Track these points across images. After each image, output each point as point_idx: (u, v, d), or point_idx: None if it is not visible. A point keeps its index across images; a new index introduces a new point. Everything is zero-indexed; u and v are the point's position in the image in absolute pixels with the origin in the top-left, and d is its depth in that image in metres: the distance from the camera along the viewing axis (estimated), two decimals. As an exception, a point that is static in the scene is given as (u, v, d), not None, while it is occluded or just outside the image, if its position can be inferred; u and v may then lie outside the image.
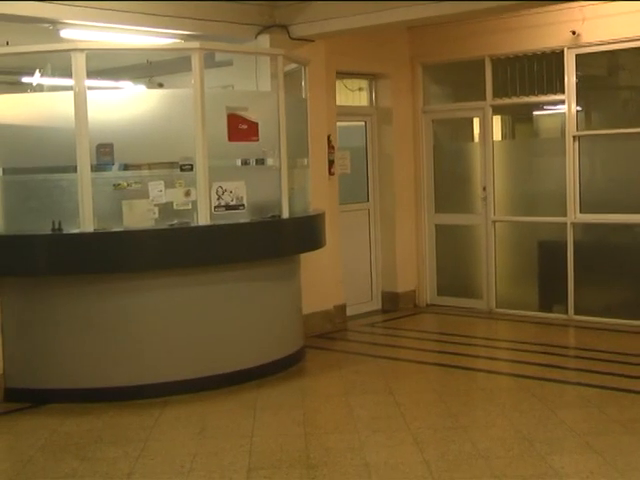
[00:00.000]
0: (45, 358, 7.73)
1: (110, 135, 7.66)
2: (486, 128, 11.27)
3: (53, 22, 8.35)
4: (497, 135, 11.56)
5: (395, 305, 11.69)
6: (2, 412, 7.42)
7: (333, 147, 10.51)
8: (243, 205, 8.11)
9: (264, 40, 9.58)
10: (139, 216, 7.70)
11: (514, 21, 10.59)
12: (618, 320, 10.16)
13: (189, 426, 6.94)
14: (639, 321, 10.04)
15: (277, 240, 8.48)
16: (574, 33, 10.19)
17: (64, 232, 7.56)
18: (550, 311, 10.81)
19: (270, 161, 8.42)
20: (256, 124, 8.19)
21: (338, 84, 10.99)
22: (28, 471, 6.01)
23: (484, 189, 11.28)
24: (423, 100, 11.85)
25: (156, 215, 7.74)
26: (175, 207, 7.80)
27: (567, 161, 10.45)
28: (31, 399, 7.63)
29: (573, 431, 6.48)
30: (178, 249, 7.75)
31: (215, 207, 7.91)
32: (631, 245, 10.32)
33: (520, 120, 12.02)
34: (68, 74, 7.60)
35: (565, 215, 10.52)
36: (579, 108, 10.49)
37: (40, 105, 7.95)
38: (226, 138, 8.01)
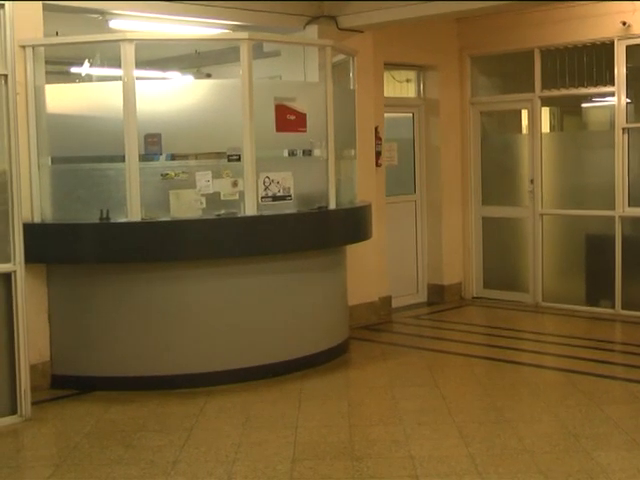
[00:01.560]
0: (91, 346, 7.79)
1: (158, 125, 7.68)
2: (534, 120, 11.19)
3: (102, 13, 8.40)
4: (545, 127, 11.47)
5: (441, 297, 11.66)
6: (48, 399, 7.49)
7: (380, 138, 10.49)
8: (290, 196, 8.10)
9: (312, 31, 9.58)
10: (186, 206, 7.73)
11: (563, 12, 10.50)
12: (666, 315, 10.09)
13: (234, 416, 6.97)
14: (688, 317, 9.96)
15: (323, 231, 8.48)
16: (624, 24, 10.08)
17: (111, 221, 7.61)
18: (597, 305, 10.73)
19: (317, 152, 8.42)
20: (304, 115, 8.18)
21: (386, 75, 10.97)
22: (74, 457, 6.06)
23: (532, 182, 11.20)
24: (471, 92, 11.79)
25: (203, 205, 7.76)
26: (222, 197, 7.82)
27: (616, 154, 10.35)
28: (77, 386, 7.70)
29: (620, 427, 6.41)
30: (225, 239, 7.77)
31: (262, 198, 7.92)
32: (680, 239, 10.24)
33: (569, 112, 11.93)
34: (117, 64, 7.64)
35: (613, 209, 10.42)
36: (629, 100, 10.39)
37: (89, 95, 7.97)
38: (274, 129, 8.01)
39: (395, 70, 11.40)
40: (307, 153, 8.40)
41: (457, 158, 11.77)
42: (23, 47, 7.56)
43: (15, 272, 6.81)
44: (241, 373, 7.82)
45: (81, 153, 7.87)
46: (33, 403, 6.97)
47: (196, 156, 7.91)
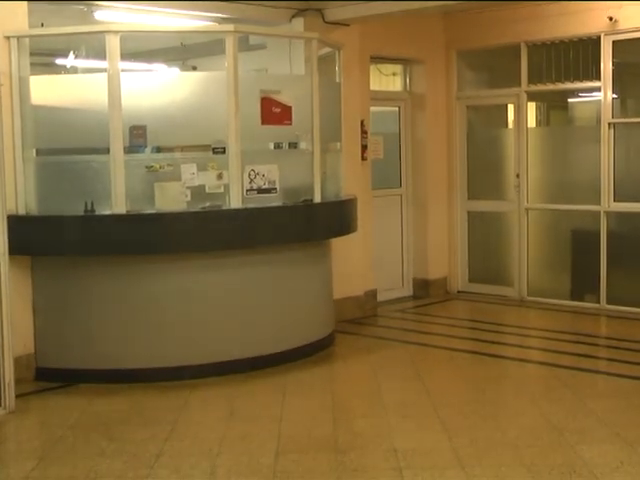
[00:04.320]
0: (76, 338, 7.77)
1: (143, 117, 7.67)
2: (520, 115, 11.19)
3: (87, 4, 8.37)
4: (531, 122, 11.49)
5: (426, 292, 11.67)
6: (32, 391, 7.47)
7: (366, 132, 10.48)
8: (275, 189, 8.09)
9: (298, 23, 9.56)
10: (171, 198, 7.71)
11: (550, 7, 10.51)
12: (651, 310, 10.11)
13: (218, 409, 6.96)
14: (672, 311, 9.99)
15: (308, 224, 8.47)
16: (611, 19, 10.09)
17: (96, 213, 7.59)
18: (582, 300, 10.74)
19: (303, 145, 8.40)
20: (289, 107, 8.17)
21: (372, 69, 10.95)
22: (58, 450, 6.05)
23: (517, 176, 11.21)
24: (457, 86, 11.79)
25: (188, 198, 7.75)
26: (207, 190, 7.80)
27: (602, 149, 10.36)
28: (61, 379, 7.68)
29: (603, 421, 6.43)
30: (209, 232, 7.75)
31: (247, 190, 7.90)
32: (665, 234, 10.27)
33: (555, 107, 11.95)
34: (102, 56, 7.61)
35: (599, 203, 10.44)
36: (615, 95, 10.39)
37: (74, 87, 7.95)
38: (259, 121, 8.00)
39: (381, 64, 11.38)
40: (293, 146, 8.38)
41: (443, 152, 11.77)
42: (8, 38, 7.53)
43: (-1, 264, 6.79)
44: (225, 366, 7.80)
45: (66, 145, 7.85)
46: (17, 395, 6.94)
47: (181, 148, 7.89)
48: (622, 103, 10.71)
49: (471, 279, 11.87)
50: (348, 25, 9.84)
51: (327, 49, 9.15)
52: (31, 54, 7.82)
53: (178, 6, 8.63)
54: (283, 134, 8.28)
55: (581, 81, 10.67)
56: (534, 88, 11.09)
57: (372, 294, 10.77)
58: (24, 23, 7.70)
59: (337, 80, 9.23)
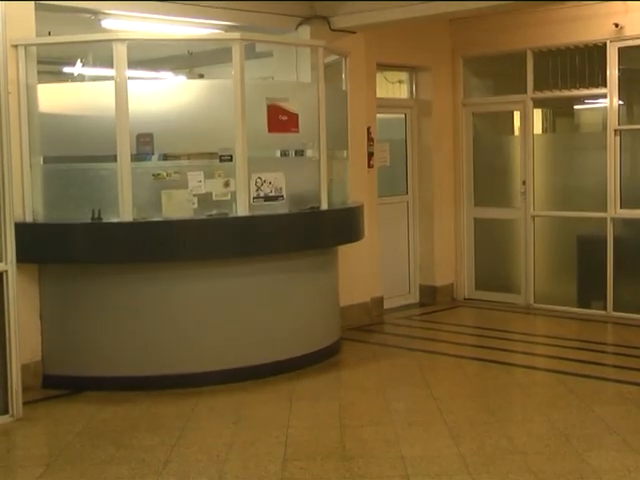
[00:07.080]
0: (83, 346, 7.78)
1: (150, 125, 7.68)
2: (527, 121, 11.20)
3: (94, 12, 8.39)
4: (538, 129, 11.49)
5: (433, 299, 11.66)
6: (40, 399, 7.47)
7: (372, 139, 10.49)
8: (282, 196, 8.10)
9: (304, 31, 9.58)
10: (178, 206, 7.72)
11: (556, 13, 10.52)
12: (658, 317, 10.10)
13: (225, 416, 6.96)
14: (679, 318, 9.98)
15: (315, 232, 8.47)
16: (617, 26, 10.09)
17: (103, 221, 7.60)
18: (589, 307, 10.73)
19: (309, 152, 8.41)
20: (296, 115, 8.18)
21: (378, 76, 10.97)
22: (65, 457, 6.06)
23: (524, 183, 11.21)
24: (463, 93, 11.80)
25: (195, 205, 7.75)
26: (214, 198, 7.81)
27: (608, 155, 10.36)
28: (69, 386, 7.68)
29: (611, 428, 6.42)
30: (216, 240, 7.77)
31: (254, 198, 7.91)
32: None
33: (561, 114, 11.95)
34: (109, 64, 7.63)
35: (605, 210, 10.43)
36: (621, 102, 10.40)
37: (81, 95, 7.96)
38: (266, 129, 8.01)
39: (387, 71, 11.39)
40: (299, 154, 8.39)
41: (449, 159, 11.78)
42: (15, 46, 7.54)
43: (7, 272, 6.79)
44: (232, 373, 7.81)
45: (73, 153, 7.85)
46: (24, 403, 6.95)
47: (188, 156, 7.89)
48: (628, 110, 10.71)
49: (478, 286, 11.86)
50: (354, 32, 9.86)
51: (333, 57, 9.17)
52: (38, 62, 7.85)
53: (185, 14, 8.65)
54: (290, 142, 8.28)
55: (587, 88, 10.67)
56: (540, 95, 11.09)
57: (378, 301, 10.78)
58: (31, 32, 7.73)
59: (343, 88, 9.24)
